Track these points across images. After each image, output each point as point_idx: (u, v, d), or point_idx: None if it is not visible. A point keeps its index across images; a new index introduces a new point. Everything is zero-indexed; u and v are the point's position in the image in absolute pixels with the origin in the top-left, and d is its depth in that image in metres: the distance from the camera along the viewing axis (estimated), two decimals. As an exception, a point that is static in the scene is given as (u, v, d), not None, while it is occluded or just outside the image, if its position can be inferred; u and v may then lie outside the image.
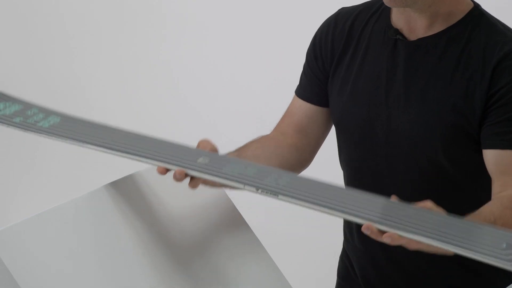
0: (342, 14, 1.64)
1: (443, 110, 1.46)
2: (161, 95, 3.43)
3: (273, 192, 1.30)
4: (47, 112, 1.51)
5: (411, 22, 1.51)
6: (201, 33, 3.27)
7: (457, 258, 1.54)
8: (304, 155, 1.68)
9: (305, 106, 1.66)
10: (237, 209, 1.59)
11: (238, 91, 3.32)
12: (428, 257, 1.55)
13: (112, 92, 3.49)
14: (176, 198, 1.51)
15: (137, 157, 1.39)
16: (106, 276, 1.34)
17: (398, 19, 1.53)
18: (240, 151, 1.56)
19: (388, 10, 1.56)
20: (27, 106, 1.52)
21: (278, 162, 1.60)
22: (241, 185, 1.32)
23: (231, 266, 1.52)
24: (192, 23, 3.26)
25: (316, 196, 1.28)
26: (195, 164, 1.37)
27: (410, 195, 1.35)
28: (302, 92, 1.68)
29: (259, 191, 1.30)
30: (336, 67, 1.60)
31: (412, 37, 1.51)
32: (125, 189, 1.46)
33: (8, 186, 3.65)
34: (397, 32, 1.52)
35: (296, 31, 2.99)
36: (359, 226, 1.60)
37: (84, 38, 3.47)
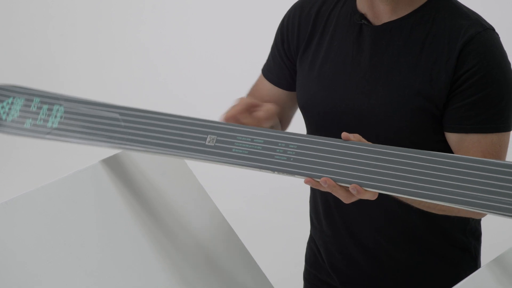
0: None
1: (408, 94, 1.47)
2: (139, 78, 3.42)
3: (289, 172, 1.34)
4: (49, 101, 1.51)
5: (375, 7, 1.51)
6: (181, 15, 3.25)
7: (423, 243, 1.57)
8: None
9: (273, 90, 1.68)
10: (209, 196, 1.61)
11: (217, 72, 3.32)
12: (394, 242, 1.58)
13: (89, 76, 3.48)
14: (156, 179, 1.55)
15: (136, 148, 1.42)
16: (79, 259, 1.35)
17: (362, 4, 1.53)
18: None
19: None
20: (28, 97, 1.52)
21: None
22: (257, 169, 1.35)
23: (202, 251, 1.54)
24: (172, 5, 3.25)
25: (324, 166, 1.32)
26: (204, 150, 1.39)
27: None
28: (270, 75, 1.69)
29: (275, 172, 1.35)
30: (303, 52, 1.61)
31: (377, 22, 1.52)
32: (97, 173, 1.47)
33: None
34: (362, 17, 1.53)
35: (273, 12, 3.00)
36: (326, 211, 1.63)
37: (63, 19, 3.45)
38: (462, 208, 1.24)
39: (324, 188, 1.31)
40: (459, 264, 1.60)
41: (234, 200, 3.02)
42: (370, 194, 1.30)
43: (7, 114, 1.51)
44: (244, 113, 1.49)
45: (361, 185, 1.29)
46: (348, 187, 1.30)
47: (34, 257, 1.29)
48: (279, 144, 1.37)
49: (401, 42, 1.48)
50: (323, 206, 1.65)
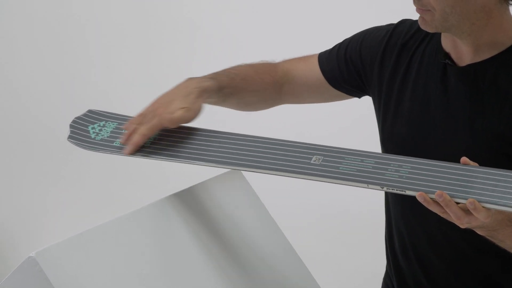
0: (401, 28, 1.62)
1: (491, 139, 1.43)
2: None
3: (400, 187, 1.28)
4: None
5: (457, 47, 1.49)
6: (233, 50, 3.25)
7: (491, 283, 1.53)
8: (285, 99, 1.74)
9: (319, 77, 1.70)
10: (279, 229, 1.60)
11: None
12: (468, 284, 1.55)
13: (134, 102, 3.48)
14: (222, 215, 1.52)
15: (247, 168, 1.39)
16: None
17: (446, 43, 1.51)
18: (232, 83, 1.63)
19: (439, 33, 1.53)
20: (120, 121, 1.53)
21: (259, 99, 1.71)
22: (364, 185, 1.31)
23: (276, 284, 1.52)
24: (225, 39, 3.25)
25: (439, 184, 1.27)
26: (310, 167, 1.35)
27: None
28: (326, 66, 1.69)
29: (384, 188, 1.29)
30: (388, 85, 1.58)
31: (461, 62, 1.49)
32: (171, 207, 1.46)
33: (39, 202, 3.67)
34: (446, 56, 1.50)
35: (314, 43, 2.98)
36: (402, 247, 1.61)
37: (106, 50, 3.46)
38: None
39: (437, 204, 1.25)
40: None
41: (304, 231, 2.99)
42: (485, 213, 1.24)
43: (97, 134, 1.52)
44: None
45: (478, 201, 1.23)
46: (464, 203, 1.24)
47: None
48: (391, 165, 1.32)
49: (486, 85, 1.45)
50: (398, 242, 1.63)
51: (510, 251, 1.38)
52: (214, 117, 3.24)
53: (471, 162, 1.30)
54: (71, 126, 1.54)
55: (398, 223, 1.61)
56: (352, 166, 1.33)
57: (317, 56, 1.72)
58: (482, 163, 1.41)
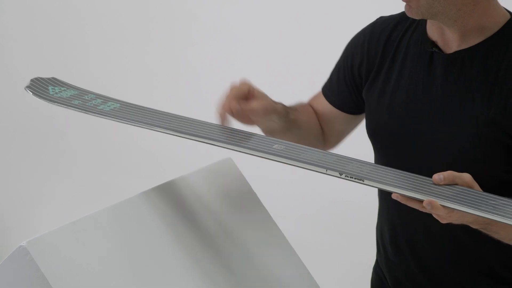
0: (379, 24, 1.62)
1: (481, 124, 1.43)
2: (187, 103, 3.41)
3: (358, 177, 1.28)
4: (105, 98, 1.50)
5: (444, 35, 1.49)
6: (231, 41, 3.25)
7: (495, 275, 1.53)
8: (328, 139, 1.73)
9: (333, 111, 1.69)
10: (272, 219, 1.59)
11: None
12: (465, 273, 1.55)
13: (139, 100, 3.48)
14: (214, 204, 1.52)
15: (209, 141, 1.38)
16: (144, 283, 1.33)
17: (432, 31, 1.52)
18: (293, 109, 1.61)
19: (424, 22, 1.54)
20: (82, 92, 1.52)
21: (314, 134, 1.69)
22: (323, 170, 1.30)
23: (269, 276, 1.53)
24: (223, 30, 3.24)
25: (398, 183, 1.27)
26: (271, 150, 1.35)
27: None
28: (332, 97, 1.69)
29: (343, 175, 1.29)
30: (373, 79, 1.59)
31: (448, 49, 1.49)
32: (163, 196, 1.46)
33: (33, 192, 3.67)
34: (433, 44, 1.50)
35: (329, 39, 2.97)
36: (392, 239, 1.61)
37: (113, 43, 3.46)
38: None
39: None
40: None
41: (295, 220, 2.99)
42: (443, 210, 1.24)
43: (55, 93, 1.51)
44: (237, 100, 1.47)
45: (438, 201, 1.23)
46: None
47: (99, 278, 1.27)
48: (354, 162, 1.33)
49: (474, 71, 1.45)
50: (389, 233, 1.63)
51: (504, 241, 1.38)
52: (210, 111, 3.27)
53: (442, 182, 1.28)
54: (32, 80, 1.53)
55: (392, 214, 1.61)
56: (314, 156, 1.34)
57: (321, 92, 1.72)
58: (474, 151, 1.42)
